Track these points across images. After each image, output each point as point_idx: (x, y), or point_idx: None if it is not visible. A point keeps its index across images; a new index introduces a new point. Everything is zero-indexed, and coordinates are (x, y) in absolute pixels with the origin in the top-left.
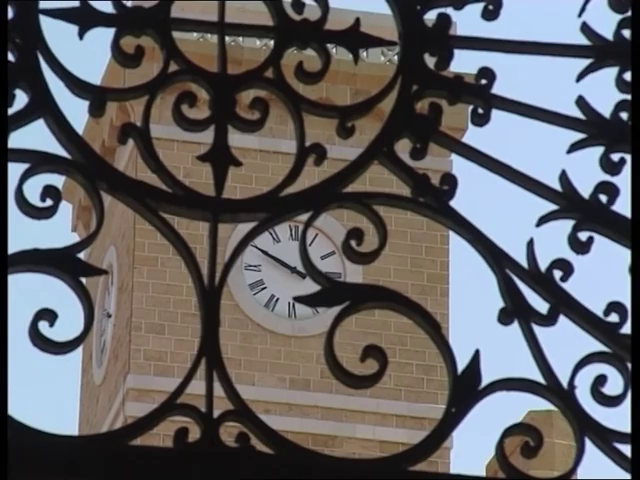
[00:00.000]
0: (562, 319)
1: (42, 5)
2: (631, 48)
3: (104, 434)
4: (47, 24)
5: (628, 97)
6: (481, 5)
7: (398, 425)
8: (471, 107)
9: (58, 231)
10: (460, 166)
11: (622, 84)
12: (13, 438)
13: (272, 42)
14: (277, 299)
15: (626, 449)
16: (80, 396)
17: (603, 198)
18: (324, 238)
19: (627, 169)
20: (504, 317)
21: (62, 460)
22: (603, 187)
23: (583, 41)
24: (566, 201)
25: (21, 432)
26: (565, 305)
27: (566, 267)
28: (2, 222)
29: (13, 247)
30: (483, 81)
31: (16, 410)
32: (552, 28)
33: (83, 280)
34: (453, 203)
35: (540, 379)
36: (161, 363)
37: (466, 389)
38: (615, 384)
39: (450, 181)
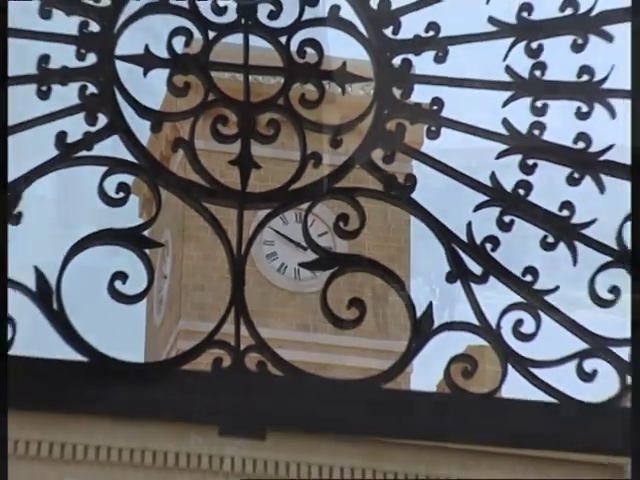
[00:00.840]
0: (492, 279)
1: (117, 52)
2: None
3: (163, 361)
4: (120, 65)
5: (541, 119)
6: (433, 53)
7: (374, 357)
8: (426, 126)
9: (129, 216)
10: (418, 169)
11: (534, 110)
12: (99, 365)
13: (282, 79)
14: (286, 266)
15: (538, 372)
16: (145, 336)
17: (521, 192)
18: (320, 221)
19: (538, 170)
20: (450, 278)
21: (135, 379)
22: (521, 183)
23: (507, 78)
24: (495, 194)
25: (105, 360)
26: (494, 269)
27: (495, 241)
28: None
29: (98, 228)
30: (435, 107)
31: (100, 343)
32: (484, 68)
33: (147, 251)
34: (414, 195)
35: (476, 322)
36: (202, 311)
37: (422, 330)
38: (529, 325)
39: (411, 179)
